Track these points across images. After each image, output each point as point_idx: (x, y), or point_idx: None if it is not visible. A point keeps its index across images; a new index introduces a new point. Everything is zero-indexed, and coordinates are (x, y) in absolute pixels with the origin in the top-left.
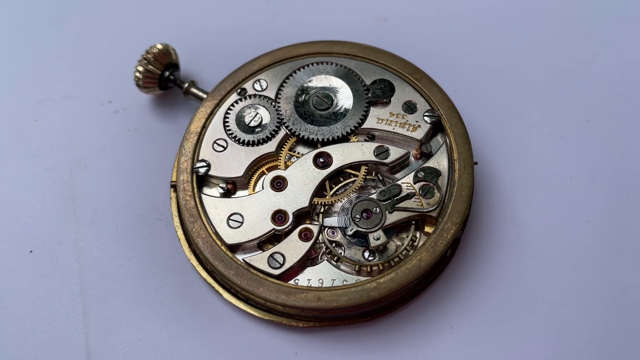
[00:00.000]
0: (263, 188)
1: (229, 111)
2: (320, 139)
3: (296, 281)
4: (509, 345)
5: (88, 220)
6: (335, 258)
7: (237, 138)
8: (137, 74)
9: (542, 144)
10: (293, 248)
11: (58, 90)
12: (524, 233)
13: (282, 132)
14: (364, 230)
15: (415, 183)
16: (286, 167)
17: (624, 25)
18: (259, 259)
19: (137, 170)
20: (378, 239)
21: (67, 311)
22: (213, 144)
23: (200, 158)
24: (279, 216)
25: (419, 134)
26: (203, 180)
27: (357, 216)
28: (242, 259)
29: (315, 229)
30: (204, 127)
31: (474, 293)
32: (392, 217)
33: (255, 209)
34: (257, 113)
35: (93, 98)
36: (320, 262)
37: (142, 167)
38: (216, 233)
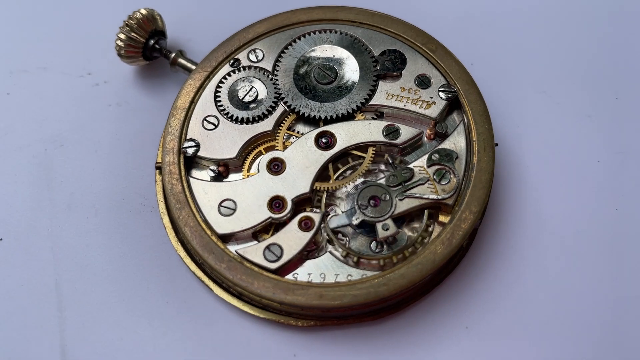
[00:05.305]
0: (259, 171)
1: (220, 84)
2: (322, 117)
3: (295, 276)
4: (530, 346)
5: (64, 205)
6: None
7: (229, 115)
8: (119, 43)
9: (567, 124)
10: (292, 239)
11: (32, 61)
12: (547, 222)
13: (280, 109)
14: (371, 219)
15: (429, 167)
16: (284, 147)
17: None
18: (253, 251)
19: (118, 149)
20: (387, 229)
21: (41, 306)
22: (203, 122)
23: (188, 137)
24: (276, 203)
25: (434, 112)
26: (191, 162)
27: (364, 203)
28: (235, 251)
29: (316, 217)
30: (193, 102)
31: (492, 289)
32: (403, 205)
33: (249, 195)
34: (252, 87)
35: (71, 69)
36: (322, 255)
37: (124, 146)
38: (206, 221)
